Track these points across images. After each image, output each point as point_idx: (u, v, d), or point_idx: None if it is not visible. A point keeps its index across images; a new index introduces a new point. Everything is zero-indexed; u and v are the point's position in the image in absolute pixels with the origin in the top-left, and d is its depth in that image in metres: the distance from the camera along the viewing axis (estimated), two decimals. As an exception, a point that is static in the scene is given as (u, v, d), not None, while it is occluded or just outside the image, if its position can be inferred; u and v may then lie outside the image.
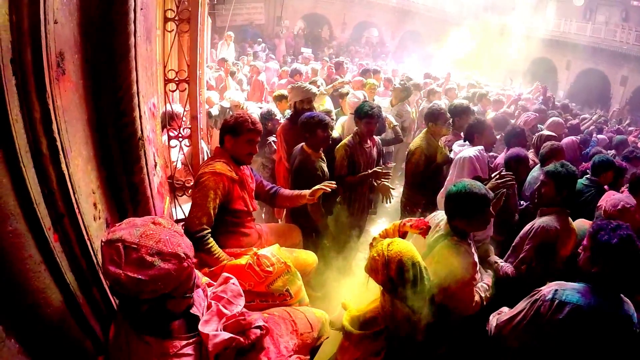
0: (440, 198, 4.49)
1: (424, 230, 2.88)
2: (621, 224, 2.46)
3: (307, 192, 3.60)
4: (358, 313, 2.61)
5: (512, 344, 2.71)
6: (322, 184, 3.57)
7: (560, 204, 3.50)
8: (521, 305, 2.67)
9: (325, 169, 4.36)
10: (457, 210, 2.86)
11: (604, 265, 2.41)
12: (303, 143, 4.37)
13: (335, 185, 3.55)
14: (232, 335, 1.93)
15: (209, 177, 3.08)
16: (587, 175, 4.79)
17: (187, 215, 3.18)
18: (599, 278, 2.44)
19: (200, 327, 1.91)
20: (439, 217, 3.20)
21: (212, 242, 3.05)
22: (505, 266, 3.45)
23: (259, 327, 2.04)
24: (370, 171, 4.62)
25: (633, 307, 2.41)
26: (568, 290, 2.47)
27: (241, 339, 1.95)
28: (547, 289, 2.54)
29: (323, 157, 4.42)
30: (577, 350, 2.41)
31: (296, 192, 3.71)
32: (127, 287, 1.61)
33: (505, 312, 2.81)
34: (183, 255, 1.72)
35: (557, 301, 2.44)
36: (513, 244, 3.66)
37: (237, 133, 3.23)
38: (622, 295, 2.44)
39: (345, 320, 2.59)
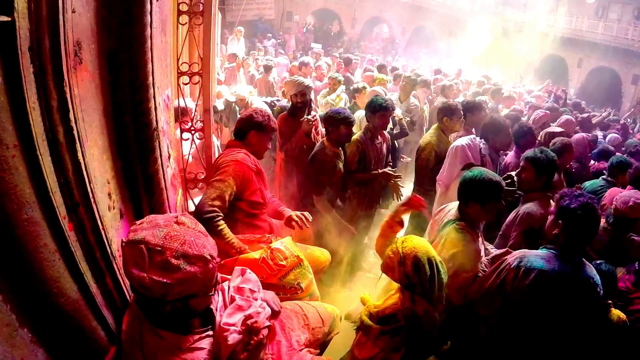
0: (439, 180, 4.62)
1: (421, 205, 2.98)
2: (585, 194, 2.62)
3: (287, 213, 3.56)
4: (376, 309, 2.61)
5: (482, 312, 2.84)
6: (300, 214, 3.49)
7: (541, 189, 3.59)
8: (488, 273, 2.79)
9: (341, 166, 4.38)
10: (471, 196, 2.97)
11: (562, 227, 2.56)
12: (325, 137, 4.43)
13: (308, 226, 3.49)
14: (244, 336, 1.92)
15: (232, 164, 3.13)
16: (604, 176, 4.76)
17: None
18: (558, 240, 2.60)
19: (225, 318, 1.92)
20: (449, 207, 3.30)
21: (222, 224, 3.03)
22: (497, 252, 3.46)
23: (267, 327, 2.02)
24: (380, 171, 4.64)
25: (595, 271, 2.58)
26: (532, 257, 2.60)
27: (253, 339, 1.93)
28: (512, 258, 2.68)
29: (341, 154, 4.44)
30: (545, 314, 2.55)
31: (281, 208, 3.71)
32: (152, 290, 1.59)
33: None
34: (209, 257, 1.70)
35: (522, 268, 2.56)
36: (500, 232, 3.75)
37: (263, 130, 3.36)
38: (584, 260, 2.62)
39: (364, 315, 2.59)
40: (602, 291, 2.54)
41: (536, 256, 2.61)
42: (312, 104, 5.43)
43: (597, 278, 2.55)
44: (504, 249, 3.14)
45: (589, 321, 2.61)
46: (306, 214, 3.48)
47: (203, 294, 1.77)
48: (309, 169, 4.37)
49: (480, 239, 3.14)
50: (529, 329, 2.63)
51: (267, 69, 9.69)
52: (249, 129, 3.35)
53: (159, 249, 1.59)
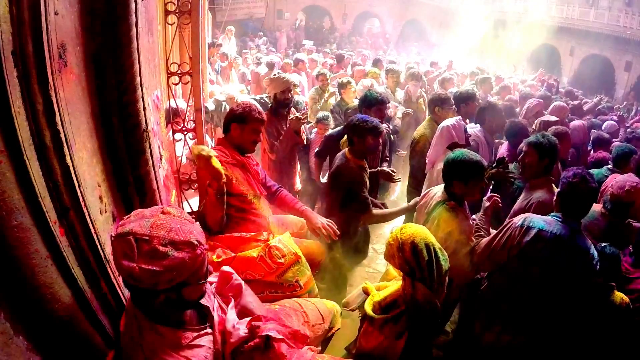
0: (428, 157, 4.66)
1: None
2: (584, 169, 2.90)
3: (314, 219, 3.38)
4: (379, 298, 2.63)
5: (485, 269, 3.14)
6: (328, 225, 3.31)
7: (543, 173, 3.67)
8: (495, 234, 3.00)
9: (367, 179, 3.90)
10: (454, 175, 3.16)
11: (558, 193, 2.90)
12: (346, 148, 3.95)
13: (336, 238, 3.31)
14: (247, 335, 1.94)
15: (200, 172, 3.11)
16: (608, 166, 4.74)
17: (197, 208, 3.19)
18: (556, 206, 2.89)
19: (228, 314, 1.97)
20: (434, 190, 3.48)
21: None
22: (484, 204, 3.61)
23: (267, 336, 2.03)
24: (380, 169, 4.42)
25: (592, 244, 2.79)
26: (535, 218, 2.87)
27: (256, 341, 1.94)
28: (517, 218, 2.93)
29: (367, 167, 3.96)
30: (539, 274, 2.78)
31: (299, 206, 3.54)
32: (142, 280, 1.59)
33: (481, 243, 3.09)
34: (195, 242, 1.69)
35: (525, 226, 2.82)
36: (508, 218, 3.69)
37: (244, 121, 3.24)
38: (584, 234, 2.85)
39: (367, 306, 2.61)
40: (598, 264, 2.74)
41: (539, 218, 2.85)
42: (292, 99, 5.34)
43: (594, 251, 2.76)
44: (490, 195, 3.43)
45: (586, 295, 2.85)
46: (332, 224, 3.33)
47: (195, 282, 1.77)
48: (332, 185, 3.92)
49: (469, 215, 3.32)
50: (525, 288, 2.87)
51: (271, 65, 9.61)
52: (230, 122, 3.29)
53: (147, 238, 1.60)
